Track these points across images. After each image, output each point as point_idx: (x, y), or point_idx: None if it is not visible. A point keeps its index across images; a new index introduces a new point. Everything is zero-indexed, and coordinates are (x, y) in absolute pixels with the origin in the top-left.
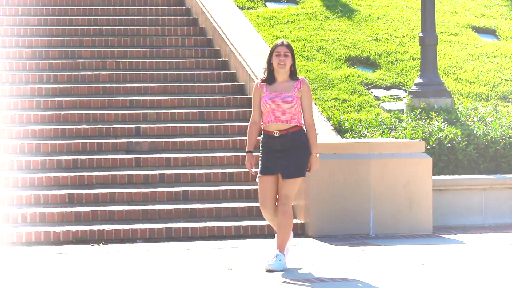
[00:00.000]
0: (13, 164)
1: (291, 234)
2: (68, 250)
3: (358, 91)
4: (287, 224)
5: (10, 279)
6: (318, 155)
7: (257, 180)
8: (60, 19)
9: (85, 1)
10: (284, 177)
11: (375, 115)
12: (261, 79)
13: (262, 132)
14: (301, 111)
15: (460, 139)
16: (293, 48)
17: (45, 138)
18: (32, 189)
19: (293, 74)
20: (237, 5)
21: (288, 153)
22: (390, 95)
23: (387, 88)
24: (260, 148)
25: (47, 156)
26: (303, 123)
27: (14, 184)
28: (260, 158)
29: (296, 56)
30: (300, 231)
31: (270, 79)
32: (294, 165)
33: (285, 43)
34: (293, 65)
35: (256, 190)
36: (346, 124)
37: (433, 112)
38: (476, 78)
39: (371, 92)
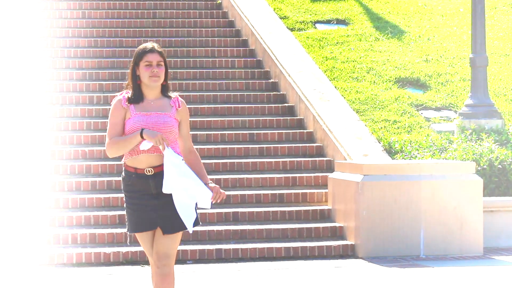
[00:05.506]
0: (64, 185)
1: None
2: (118, 271)
3: (408, 112)
4: None
5: None
6: (213, 183)
7: (127, 232)
8: (110, 41)
9: (135, 22)
10: (166, 232)
11: (425, 136)
12: (123, 96)
13: (124, 170)
14: (178, 139)
15: (511, 160)
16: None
17: (95, 160)
18: (82, 210)
19: (165, 90)
20: (287, 27)
21: (168, 199)
22: (441, 116)
23: (438, 109)
24: (125, 193)
25: (97, 177)
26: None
27: (65, 205)
28: (127, 208)
29: (346, 77)
30: (350, 253)
31: (137, 96)
32: (177, 216)
33: (156, 48)
34: (165, 78)
35: (306, 211)
36: (396, 145)
37: (483, 133)
38: None
39: (421, 113)
